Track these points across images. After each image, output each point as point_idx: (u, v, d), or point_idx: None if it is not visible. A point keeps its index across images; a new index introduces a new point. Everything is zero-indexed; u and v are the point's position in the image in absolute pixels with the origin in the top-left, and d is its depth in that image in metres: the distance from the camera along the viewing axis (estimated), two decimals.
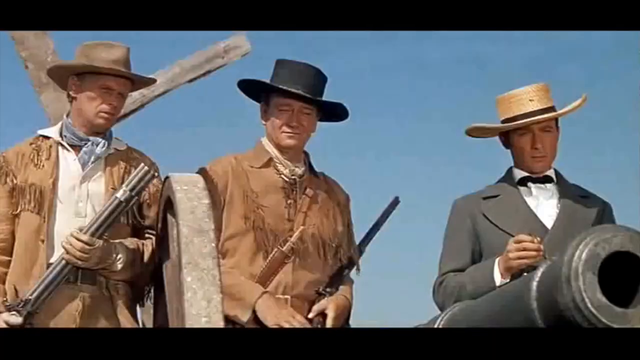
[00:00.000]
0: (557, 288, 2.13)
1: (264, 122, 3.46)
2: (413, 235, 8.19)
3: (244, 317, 3.19)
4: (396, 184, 8.26)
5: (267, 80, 3.42)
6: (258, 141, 3.48)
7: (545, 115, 3.35)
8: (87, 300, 3.16)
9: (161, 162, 3.44)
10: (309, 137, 3.46)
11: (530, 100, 3.36)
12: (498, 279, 3.18)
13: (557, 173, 3.45)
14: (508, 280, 3.14)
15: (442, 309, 3.25)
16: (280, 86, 3.36)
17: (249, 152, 3.47)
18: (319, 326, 3.26)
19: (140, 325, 3.42)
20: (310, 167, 3.49)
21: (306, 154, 3.51)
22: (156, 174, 3.24)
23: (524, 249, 3.13)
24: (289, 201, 3.36)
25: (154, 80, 3.66)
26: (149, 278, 3.27)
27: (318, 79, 3.42)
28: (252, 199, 3.32)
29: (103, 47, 3.29)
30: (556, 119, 3.43)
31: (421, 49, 9.33)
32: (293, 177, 3.39)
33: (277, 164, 3.40)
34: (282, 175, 3.39)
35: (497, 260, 3.22)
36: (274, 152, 3.42)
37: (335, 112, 3.49)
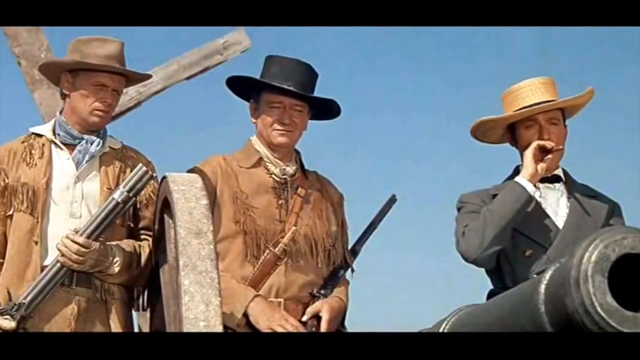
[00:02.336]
0: (566, 291, 2.08)
1: (253, 121, 3.41)
2: (412, 236, 8.16)
3: (236, 321, 3.13)
4: (393, 181, 8.23)
5: (257, 77, 3.36)
6: (247, 141, 3.42)
7: (552, 102, 3.30)
8: (82, 304, 3.11)
9: (157, 161, 3.39)
10: (301, 135, 3.40)
11: (535, 91, 3.31)
12: (529, 186, 3.25)
13: (565, 172, 3.41)
14: (535, 190, 3.25)
15: (466, 257, 3.26)
16: (271, 82, 3.30)
17: (239, 152, 3.41)
18: (313, 329, 3.20)
19: (136, 330, 3.36)
20: (302, 166, 3.43)
21: (297, 153, 3.45)
22: (153, 174, 3.19)
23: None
24: (280, 201, 3.30)
25: (149, 76, 3.62)
26: (146, 281, 3.22)
27: (309, 75, 3.36)
28: (242, 200, 3.26)
29: (96, 43, 3.23)
30: (563, 115, 3.38)
31: (421, 46, 9.31)
32: (284, 176, 3.33)
33: (268, 164, 3.35)
34: (273, 175, 3.33)
35: (515, 178, 3.28)
36: (264, 151, 3.36)
37: (327, 110, 3.43)
